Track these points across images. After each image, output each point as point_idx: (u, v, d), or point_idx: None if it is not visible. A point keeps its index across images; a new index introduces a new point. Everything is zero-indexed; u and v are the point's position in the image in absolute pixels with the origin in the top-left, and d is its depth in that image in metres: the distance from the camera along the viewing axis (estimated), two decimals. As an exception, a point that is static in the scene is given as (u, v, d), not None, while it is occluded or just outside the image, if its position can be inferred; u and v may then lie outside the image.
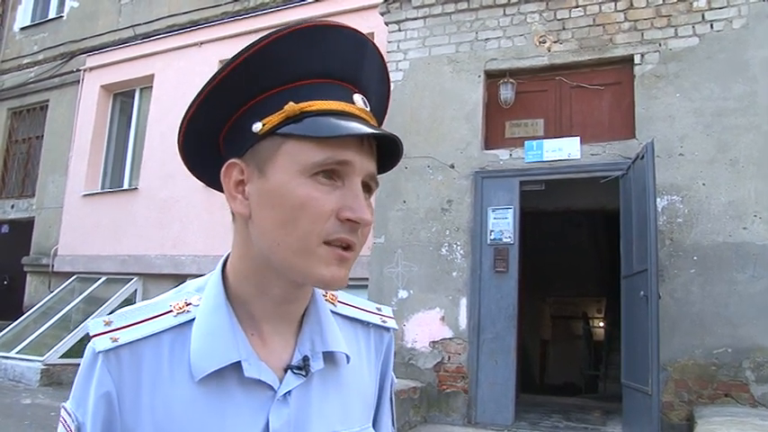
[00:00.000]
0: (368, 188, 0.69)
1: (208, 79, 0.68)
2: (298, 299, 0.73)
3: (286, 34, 0.66)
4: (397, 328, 0.88)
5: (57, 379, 7.01)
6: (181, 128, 0.72)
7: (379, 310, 0.86)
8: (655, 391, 4.35)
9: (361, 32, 0.70)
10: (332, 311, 0.79)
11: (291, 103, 0.66)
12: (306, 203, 0.64)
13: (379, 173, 0.71)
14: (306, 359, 0.71)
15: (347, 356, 0.76)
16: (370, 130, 0.65)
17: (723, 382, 4.66)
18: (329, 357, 0.74)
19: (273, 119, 0.66)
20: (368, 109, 0.70)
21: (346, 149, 0.65)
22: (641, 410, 4.57)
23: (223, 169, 0.70)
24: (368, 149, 0.68)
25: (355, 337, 0.81)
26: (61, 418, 0.69)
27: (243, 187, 0.69)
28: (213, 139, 0.72)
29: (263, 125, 0.67)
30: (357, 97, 0.70)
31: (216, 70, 0.68)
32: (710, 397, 4.66)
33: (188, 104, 0.71)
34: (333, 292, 0.82)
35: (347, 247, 0.67)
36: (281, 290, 0.70)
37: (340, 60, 0.69)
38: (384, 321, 0.85)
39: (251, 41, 0.67)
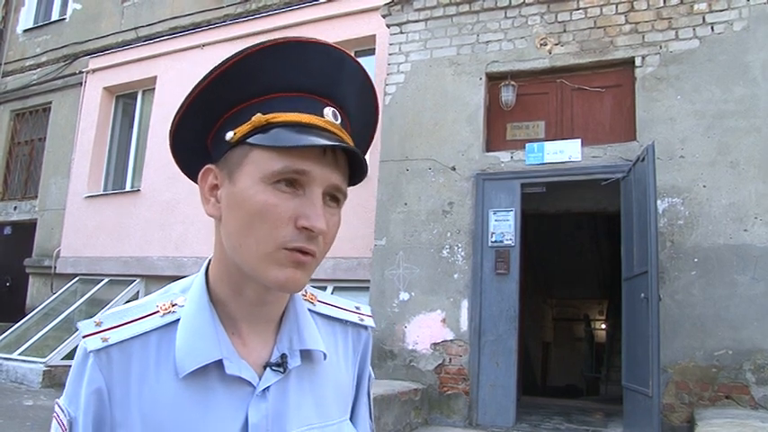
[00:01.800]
0: (334, 199, 0.72)
1: (187, 93, 0.73)
2: (271, 301, 0.76)
3: (258, 50, 0.70)
4: (375, 326, 0.91)
5: (59, 381, 7.01)
6: (169, 137, 0.77)
7: (357, 308, 0.89)
8: (655, 393, 4.35)
9: (339, 48, 0.73)
10: (310, 310, 0.83)
11: (259, 115, 0.70)
12: (264, 209, 0.68)
13: (351, 185, 0.74)
14: (284, 356, 0.75)
15: (324, 354, 0.79)
16: (326, 143, 0.67)
17: (724, 384, 4.66)
18: (306, 355, 0.78)
19: (243, 128, 0.70)
20: (338, 122, 0.72)
21: (306, 160, 0.68)
22: (642, 412, 4.57)
23: (200, 174, 0.75)
24: (331, 161, 0.70)
25: (333, 335, 0.84)
26: (55, 414, 0.72)
27: (217, 191, 0.74)
28: (202, 145, 0.77)
29: (234, 134, 0.71)
30: (327, 110, 0.72)
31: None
32: (711, 399, 4.67)
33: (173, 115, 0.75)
34: (312, 292, 0.86)
35: (306, 254, 0.69)
36: (253, 291, 0.73)
37: (313, 75, 0.72)
38: (362, 320, 0.88)
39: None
